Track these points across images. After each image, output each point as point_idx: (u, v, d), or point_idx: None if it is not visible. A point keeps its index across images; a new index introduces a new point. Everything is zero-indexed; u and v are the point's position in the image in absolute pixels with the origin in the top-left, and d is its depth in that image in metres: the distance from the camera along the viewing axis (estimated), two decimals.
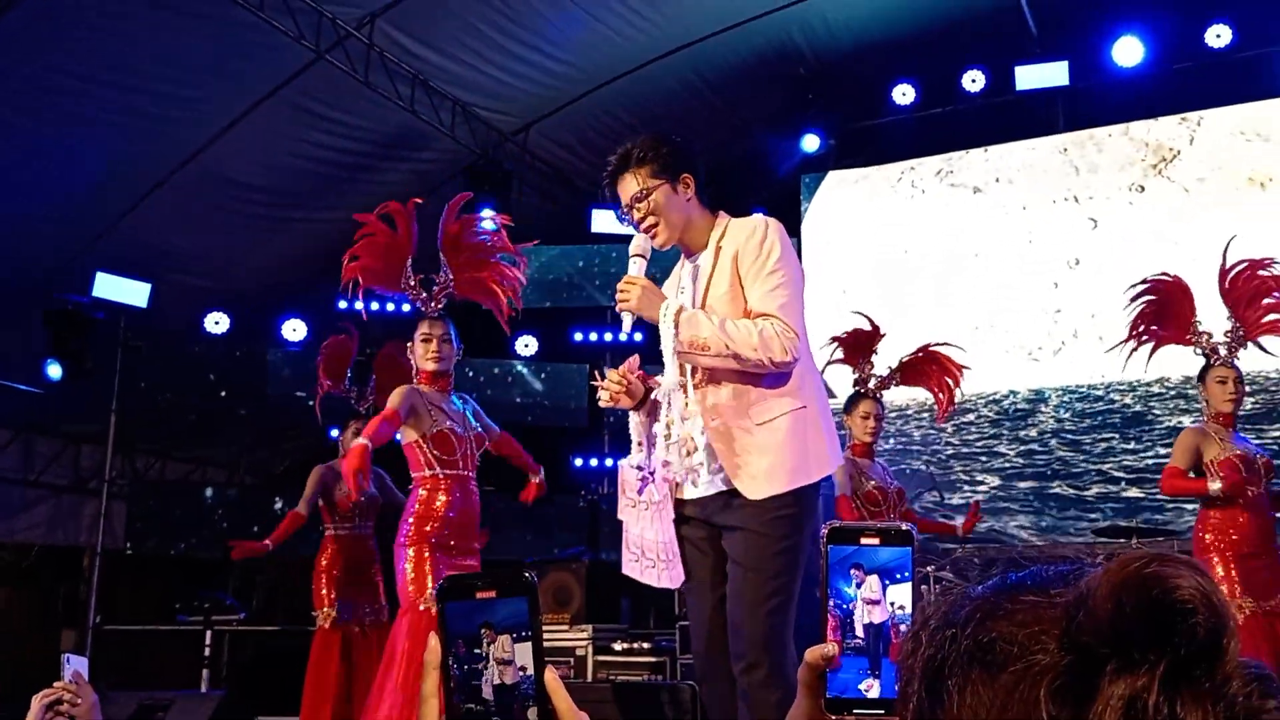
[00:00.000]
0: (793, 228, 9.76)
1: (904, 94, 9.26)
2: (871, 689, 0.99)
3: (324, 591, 5.79)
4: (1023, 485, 8.72)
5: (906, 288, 9.23)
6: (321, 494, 5.95)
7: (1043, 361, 8.86)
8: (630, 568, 3.21)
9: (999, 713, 0.69)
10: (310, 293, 9.34)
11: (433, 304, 4.68)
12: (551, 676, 0.92)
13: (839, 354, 6.00)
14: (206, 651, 7.29)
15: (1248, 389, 5.17)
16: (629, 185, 3.19)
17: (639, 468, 3.16)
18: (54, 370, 7.90)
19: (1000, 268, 9.11)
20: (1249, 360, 5.00)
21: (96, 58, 6.84)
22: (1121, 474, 8.45)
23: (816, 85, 9.36)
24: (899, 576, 0.99)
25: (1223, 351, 4.91)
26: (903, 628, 0.97)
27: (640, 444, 3.17)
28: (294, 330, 9.09)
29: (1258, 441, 7.89)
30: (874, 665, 0.99)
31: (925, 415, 8.96)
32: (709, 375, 3.09)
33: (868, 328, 5.99)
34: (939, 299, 9.09)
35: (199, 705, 6.03)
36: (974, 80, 9.03)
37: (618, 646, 6.73)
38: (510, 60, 8.21)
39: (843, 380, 6.19)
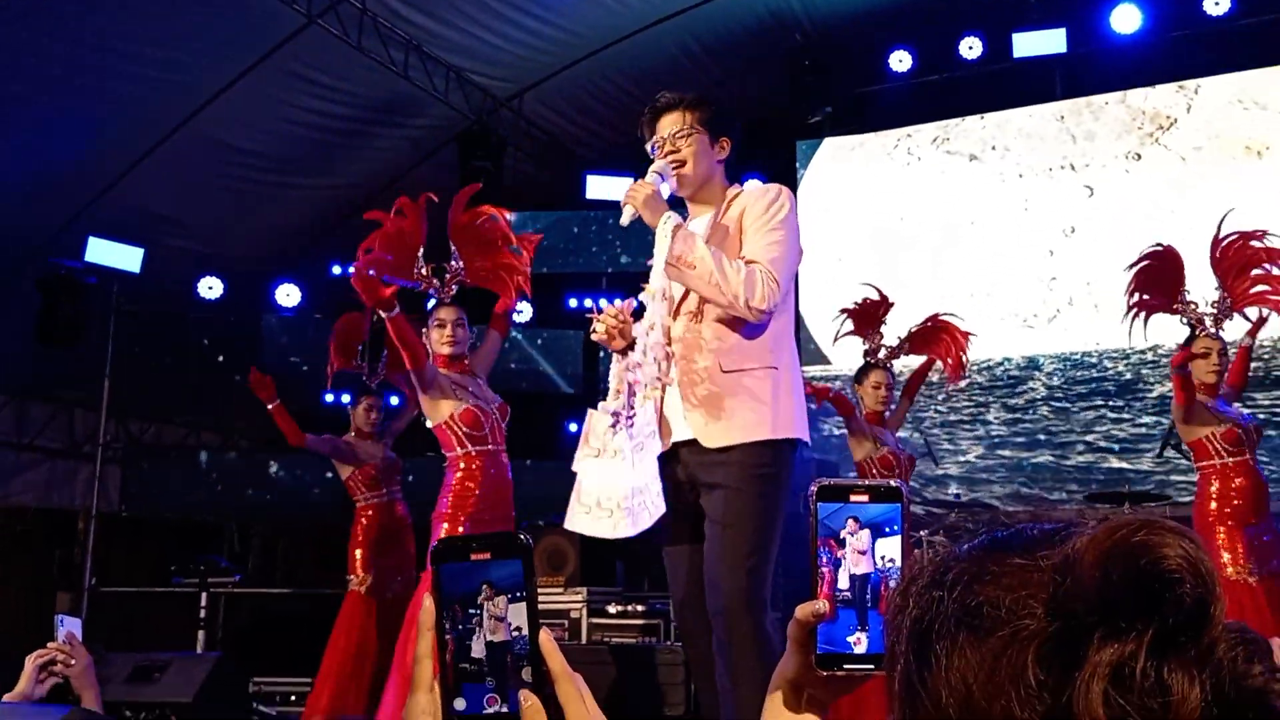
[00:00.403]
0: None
1: (901, 61, 9.22)
2: (860, 643, 0.99)
3: (358, 556, 5.86)
4: (1009, 453, 8.75)
5: (902, 255, 9.22)
6: (341, 463, 5.99)
7: (1037, 329, 8.87)
8: (577, 521, 3.19)
9: (986, 676, 0.69)
10: (304, 258, 9.32)
11: (445, 291, 4.80)
12: (546, 637, 0.92)
13: (849, 325, 6.05)
14: (202, 614, 7.33)
15: (1268, 354, 5.17)
16: (673, 120, 3.26)
17: (614, 414, 3.17)
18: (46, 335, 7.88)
19: (996, 235, 9.11)
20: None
21: (87, 23, 6.79)
22: (1107, 443, 8.48)
23: (813, 52, 9.31)
24: (888, 530, 0.99)
25: (1208, 323, 4.91)
26: (893, 582, 0.98)
27: (619, 391, 3.19)
28: (288, 295, 9.07)
29: (1248, 410, 7.92)
30: (862, 619, 0.99)
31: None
32: (693, 309, 3.12)
33: (875, 298, 6.04)
34: (935, 266, 9.09)
35: (195, 666, 6.05)
36: (971, 47, 8.99)
37: (612, 609, 6.77)
38: (505, 25, 8.16)
39: (853, 352, 6.25)
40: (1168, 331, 5.21)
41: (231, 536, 9.20)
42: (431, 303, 4.92)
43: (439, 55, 8.36)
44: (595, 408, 3.25)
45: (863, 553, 0.99)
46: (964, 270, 9.06)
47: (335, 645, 5.75)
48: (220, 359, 9.12)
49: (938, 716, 0.71)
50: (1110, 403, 8.57)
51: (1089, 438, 8.58)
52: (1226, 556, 4.71)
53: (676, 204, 3.28)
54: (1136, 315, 5.01)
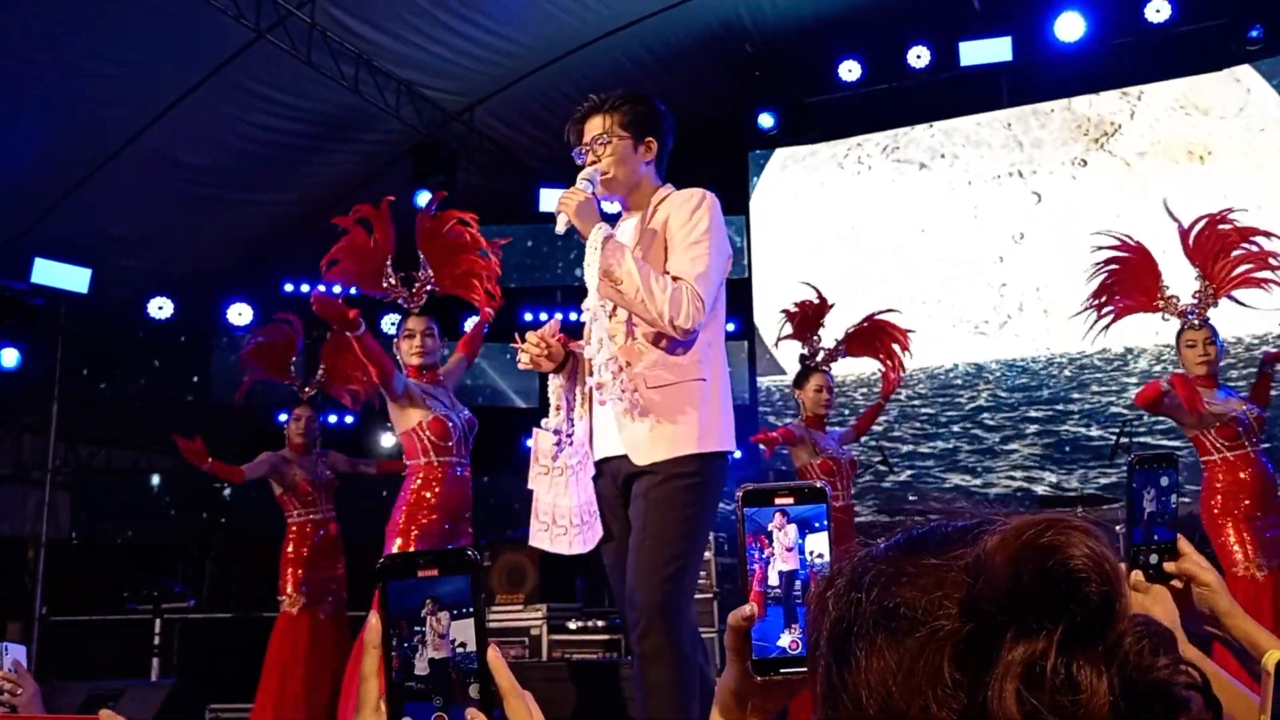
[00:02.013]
0: (741, 205, 9.77)
1: (850, 70, 9.29)
2: (795, 646, 1.00)
3: (289, 575, 5.79)
4: (962, 458, 8.82)
5: (854, 263, 9.28)
6: (278, 482, 5.94)
7: (989, 335, 8.96)
8: (538, 538, 3.19)
9: (905, 677, 0.70)
10: (255, 276, 9.23)
11: (414, 301, 4.81)
12: (494, 654, 0.91)
13: (788, 329, 6.05)
14: (156, 640, 7.22)
15: (1240, 356, 5.15)
16: (595, 125, 3.23)
17: (555, 431, 3.18)
18: (9, 357, 7.74)
19: (947, 243, 9.19)
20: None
21: (33, 38, 6.69)
22: (1058, 447, 8.57)
23: (763, 62, 9.36)
24: (816, 525, 1.01)
25: (1191, 314, 4.85)
26: (808, 584, 0.99)
27: (558, 407, 3.19)
28: (239, 315, 8.97)
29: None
30: (791, 617, 1.00)
31: (864, 388, 9.03)
32: (622, 323, 3.11)
33: (814, 300, 6.04)
34: (886, 274, 9.16)
35: (150, 694, 5.98)
36: (919, 56, 9.07)
37: (572, 625, 6.74)
38: (455, 39, 8.14)
39: (793, 356, 6.27)
40: (1116, 336, 5.22)
41: (185, 561, 9.07)
42: (390, 318, 4.95)
43: (389, 69, 8.32)
44: (540, 426, 3.25)
45: (790, 549, 1.00)
46: (915, 278, 9.13)
47: (269, 668, 5.69)
48: (167, 380, 9.01)
49: (858, 717, 0.73)
50: (1061, 407, 8.67)
51: (1040, 442, 8.66)
52: (1237, 552, 4.67)
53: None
54: (1113, 318, 4.95)
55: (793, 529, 1.00)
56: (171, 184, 8.23)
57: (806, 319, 6.04)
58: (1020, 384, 8.84)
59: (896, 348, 6.03)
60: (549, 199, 9.01)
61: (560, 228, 3.05)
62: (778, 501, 1.01)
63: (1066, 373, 8.70)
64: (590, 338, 3.06)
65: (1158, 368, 8.21)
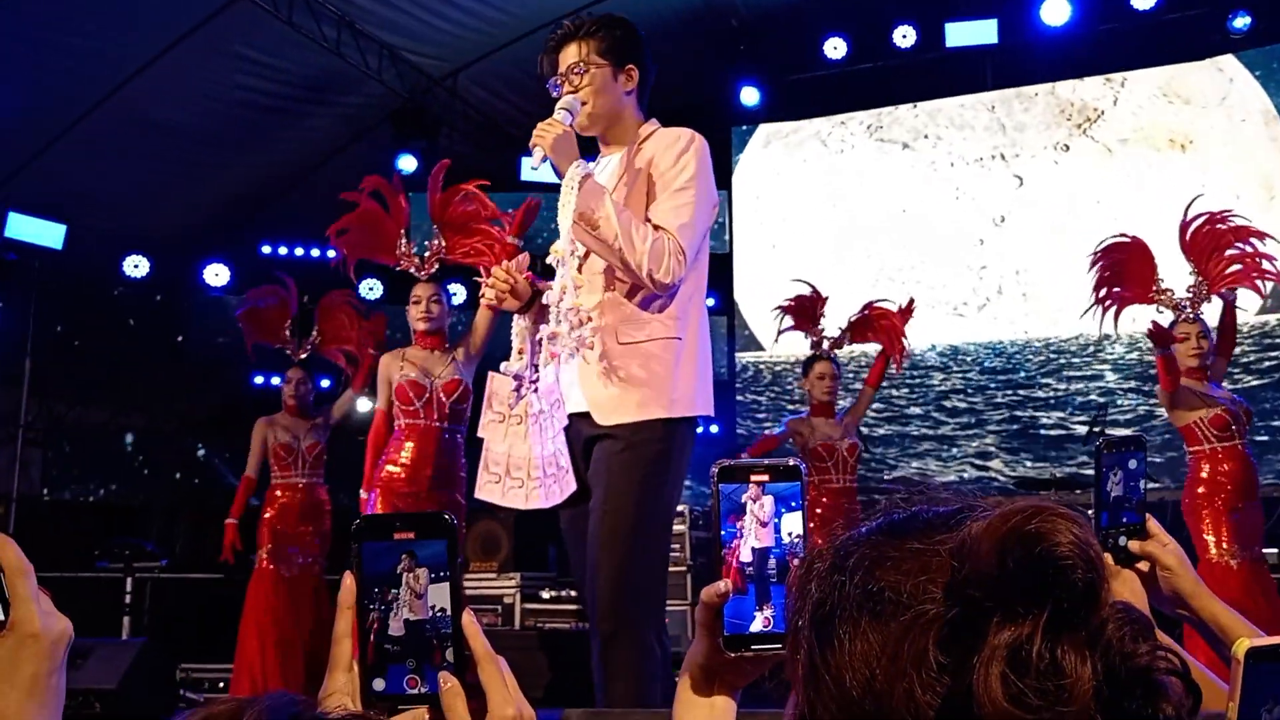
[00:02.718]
0: (724, 180, 9.75)
1: (835, 48, 9.27)
2: (767, 622, 1.00)
3: (263, 535, 5.83)
4: (938, 440, 8.88)
5: (835, 242, 9.30)
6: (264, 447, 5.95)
7: (967, 317, 9.00)
8: (488, 490, 2.96)
9: (889, 660, 0.71)
10: (234, 238, 9.17)
11: (425, 268, 4.89)
12: (469, 619, 0.91)
13: (788, 322, 6.11)
14: (127, 599, 7.20)
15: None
16: (570, 53, 2.99)
17: (515, 377, 2.95)
18: None
19: (928, 223, 9.22)
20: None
21: None
22: (1034, 430, 8.64)
23: (748, 37, 9.33)
24: (792, 504, 1.02)
25: (1186, 308, 4.89)
26: (783, 561, 1.00)
27: (521, 351, 2.96)
28: (216, 275, 8.92)
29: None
30: (764, 595, 1.00)
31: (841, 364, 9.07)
32: (595, 272, 2.89)
33: (808, 294, 6.12)
34: (867, 253, 9.18)
35: (120, 653, 5.95)
36: (905, 36, 9.06)
37: (545, 594, 6.77)
38: (439, 3, 8.07)
39: (788, 338, 6.34)
40: (1090, 322, 5.25)
41: (157, 520, 9.04)
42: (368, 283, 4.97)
43: (372, 32, 8.25)
44: (500, 370, 3.01)
45: (765, 524, 1.00)
46: (895, 257, 9.16)
47: (244, 627, 5.73)
48: (143, 339, 8.96)
49: (840, 698, 0.73)
50: (1038, 390, 8.73)
51: (1017, 425, 8.73)
52: (1210, 539, 4.73)
53: (590, 143, 3.07)
54: (1109, 309, 4.97)
55: (769, 501, 1.00)
56: (149, 143, 8.15)
57: (805, 311, 6.10)
58: (1004, 365, 8.90)
59: (895, 333, 6.10)
60: (531, 168, 8.97)
61: (535, 162, 2.79)
62: (753, 478, 1.01)
63: (1041, 357, 8.76)
64: (555, 283, 2.81)
65: (1132, 355, 8.28)
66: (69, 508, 8.74)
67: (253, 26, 7.58)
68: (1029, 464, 8.48)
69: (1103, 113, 8.88)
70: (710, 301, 9.61)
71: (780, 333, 6.25)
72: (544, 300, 2.84)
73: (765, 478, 1.01)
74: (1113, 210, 8.30)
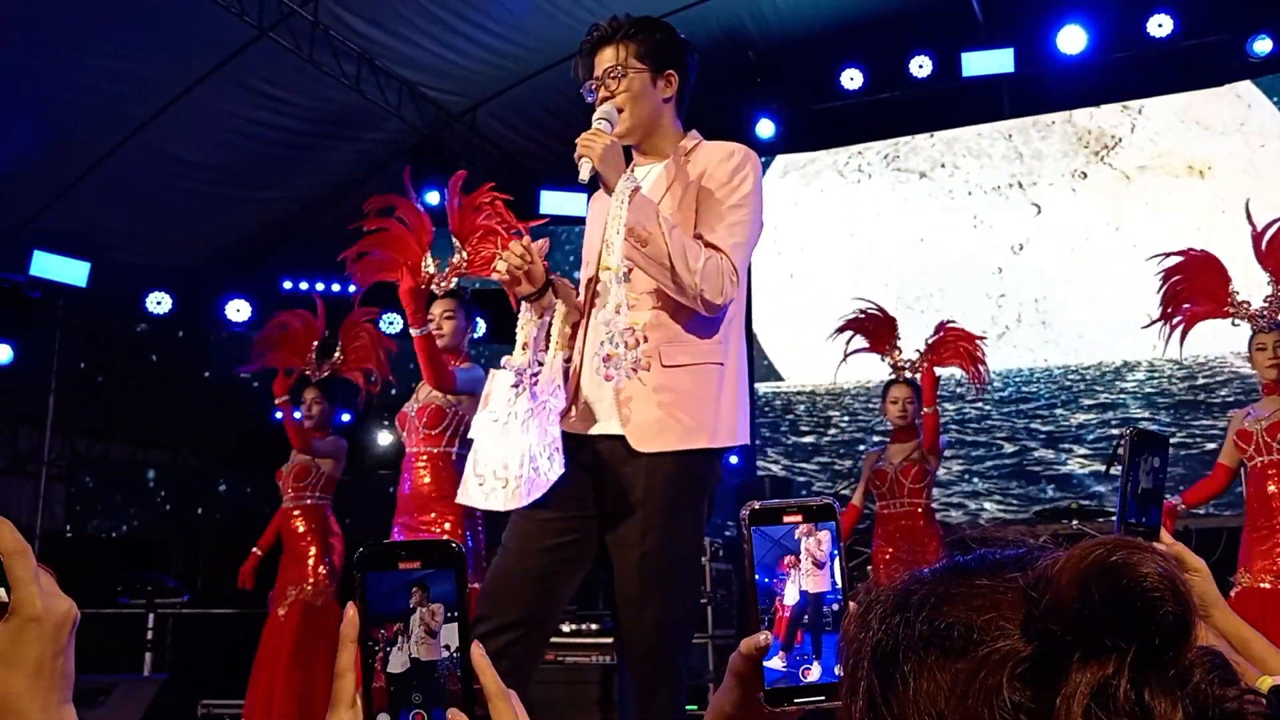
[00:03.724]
0: None
1: (852, 79, 9.30)
2: (810, 672, 0.95)
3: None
4: (958, 469, 8.83)
5: (853, 271, 9.29)
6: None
7: (988, 346, 8.95)
8: (471, 493, 2.75)
9: (958, 699, 0.68)
10: (254, 272, 9.24)
11: (443, 284, 4.74)
12: (478, 653, 0.88)
13: (859, 343, 6.02)
14: (149, 634, 7.21)
15: (1207, 376, 5.01)
16: (607, 56, 2.82)
17: (518, 372, 2.75)
18: (1, 353, 7.75)
19: (945, 252, 9.20)
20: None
21: (35, 34, 6.69)
22: (1055, 460, 8.59)
23: (765, 69, 9.38)
24: (834, 546, 0.96)
25: (1262, 319, 4.71)
26: (834, 606, 0.95)
27: (525, 345, 2.77)
28: (238, 311, 8.98)
29: (1185, 432, 7.99)
30: (816, 644, 0.95)
31: (861, 393, 9.03)
32: (639, 290, 2.72)
33: (876, 313, 6.03)
34: (885, 283, 9.17)
35: (142, 689, 5.96)
36: (921, 66, 9.09)
37: (566, 628, 6.74)
38: (458, 40, 8.14)
39: (802, 369, 6.26)
40: (1113, 348, 5.20)
41: (179, 555, 9.06)
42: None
43: (391, 69, 8.32)
44: (501, 364, 2.83)
45: (821, 564, 0.95)
46: (913, 286, 9.15)
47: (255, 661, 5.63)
48: (165, 374, 9.01)
49: None
50: (1058, 420, 8.68)
51: (1037, 454, 8.68)
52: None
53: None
54: (1182, 327, 4.78)
55: (826, 538, 0.95)
56: (171, 180, 8.23)
57: (879, 332, 5.99)
58: (1024, 394, 8.85)
59: (973, 353, 6.00)
60: (550, 201, 9.02)
61: (584, 175, 2.61)
62: (786, 519, 0.95)
63: (1068, 383, 8.70)
64: (602, 302, 2.62)
65: (1151, 382, 8.23)
66: (92, 543, 8.77)
67: (274, 64, 7.67)
68: (1061, 492, 8.41)
69: (1120, 140, 8.87)
70: None
71: (848, 354, 6.02)
72: (597, 319, 2.67)
73: (799, 518, 0.95)
74: (1132, 237, 8.27)
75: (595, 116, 2.72)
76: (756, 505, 0.95)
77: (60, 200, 7.93)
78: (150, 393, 8.97)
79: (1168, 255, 4.85)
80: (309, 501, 5.79)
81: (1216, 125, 8.58)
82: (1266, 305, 4.72)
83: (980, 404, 8.87)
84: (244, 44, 7.42)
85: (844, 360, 6.05)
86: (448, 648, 0.86)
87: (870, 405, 9.05)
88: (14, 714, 0.87)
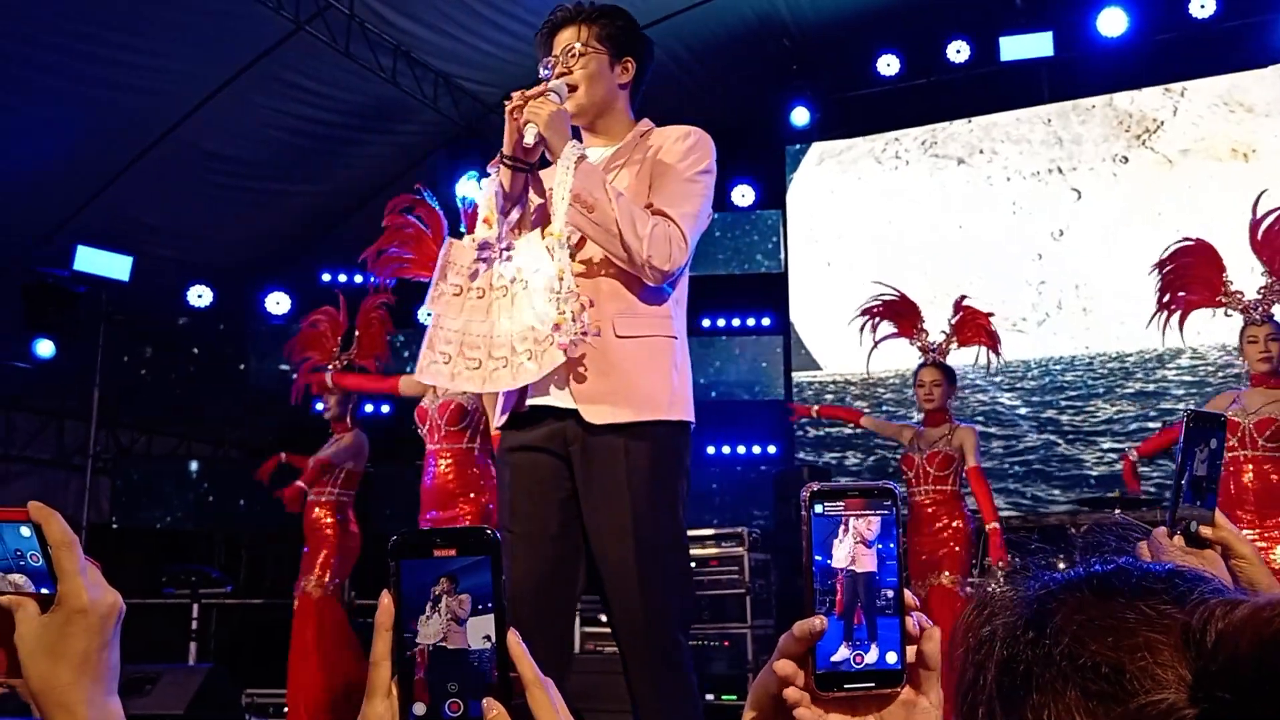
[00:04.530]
0: (778, 200, 9.74)
1: (888, 64, 9.23)
2: (863, 658, 0.92)
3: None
4: (999, 457, 8.76)
5: (891, 259, 9.23)
6: None
7: (1027, 333, 8.89)
8: (433, 372, 2.67)
9: None
10: (293, 265, 9.30)
11: None
12: (515, 641, 0.86)
13: (887, 329, 6.00)
14: (194, 625, 7.29)
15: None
16: (568, 36, 2.83)
17: (483, 245, 2.68)
18: (44, 348, 7.86)
19: (984, 239, 9.12)
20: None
21: (75, 31, 6.76)
22: (1097, 447, 8.50)
23: (801, 56, 9.33)
24: (893, 529, 0.94)
25: (1255, 310, 4.72)
26: (889, 590, 0.92)
27: (488, 221, 2.69)
28: (277, 304, 9.06)
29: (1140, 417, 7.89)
30: (871, 629, 0.92)
31: (895, 381, 8.98)
32: (590, 260, 2.69)
33: (894, 298, 6.02)
34: (923, 270, 9.10)
35: (186, 679, 6.03)
36: (958, 51, 9.01)
37: (604, 618, 6.75)
38: (493, 31, 8.15)
39: (842, 358, 6.23)
40: (1156, 335, 5.14)
41: (222, 547, 9.16)
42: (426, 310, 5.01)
43: (427, 61, 8.34)
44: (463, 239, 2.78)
45: (869, 545, 0.93)
46: (952, 274, 9.07)
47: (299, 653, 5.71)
48: (206, 367, 9.10)
49: None
50: (1100, 406, 8.59)
51: (1079, 442, 8.59)
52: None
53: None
54: (1176, 314, 4.82)
55: (877, 522, 0.93)
56: (210, 174, 8.30)
57: (904, 315, 5.98)
58: (1064, 381, 8.77)
59: (987, 329, 5.98)
60: None
61: (529, 139, 2.60)
62: (848, 501, 0.93)
63: (1109, 369, 8.61)
64: (551, 265, 2.59)
65: (1194, 370, 8.13)
66: (136, 535, 8.89)
67: (311, 58, 7.70)
68: (1104, 479, 8.34)
69: (1162, 123, 8.75)
70: (766, 321, 9.64)
71: (878, 341, 6.02)
72: (538, 284, 2.58)
73: (860, 501, 0.93)
74: (1174, 221, 8.16)
75: (547, 87, 2.71)
76: (816, 486, 0.94)
77: (102, 196, 8.01)
78: (192, 386, 9.07)
79: (1166, 247, 4.90)
80: (328, 497, 5.87)
81: (1260, 107, 8.44)
82: (1260, 296, 4.71)
83: (1019, 390, 8.80)
84: (281, 39, 7.46)
85: (875, 346, 6.04)
86: (487, 637, 0.85)
87: (902, 394, 9.01)
88: (61, 705, 0.88)
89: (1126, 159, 8.82)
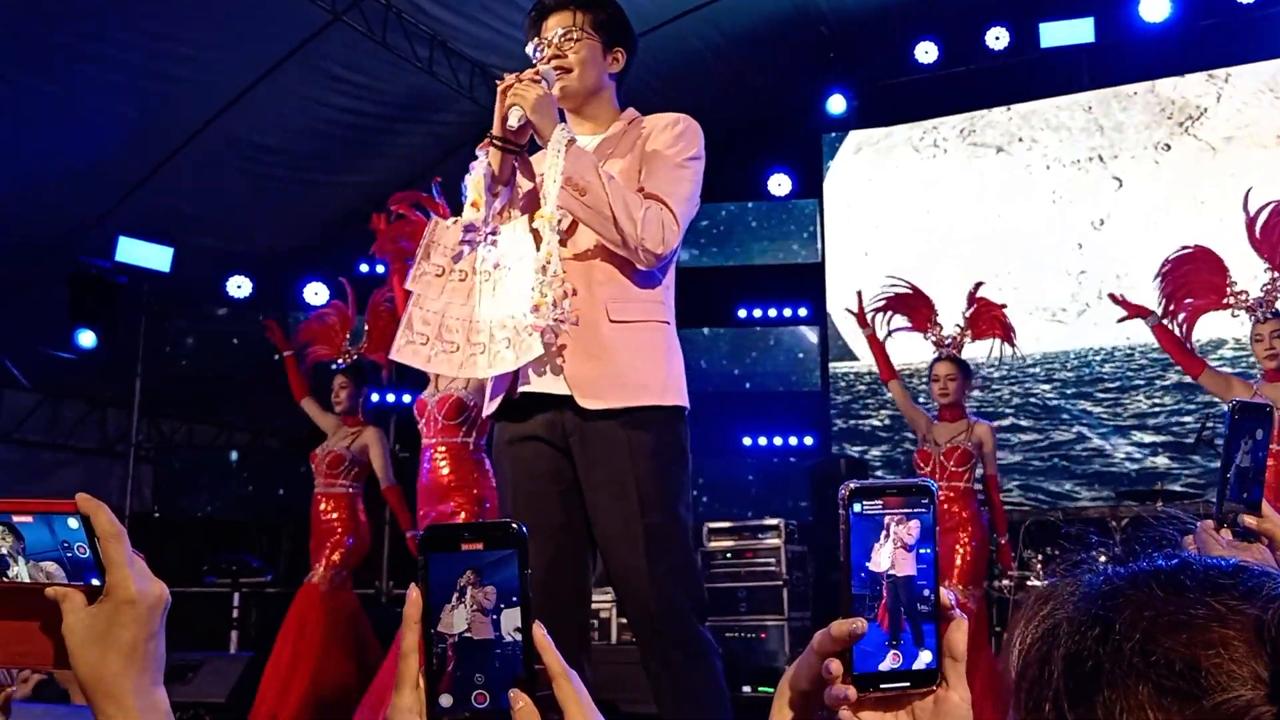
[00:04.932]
0: (814, 189, 9.69)
1: (926, 52, 9.16)
2: (898, 658, 0.92)
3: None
4: (1038, 448, 8.69)
5: (929, 248, 9.17)
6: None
7: (1066, 323, 8.80)
8: (408, 353, 2.62)
9: None
10: (331, 256, 9.35)
11: None
12: (540, 633, 0.87)
13: (900, 321, 5.96)
14: (235, 613, 7.36)
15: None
16: (562, 19, 2.82)
17: (469, 227, 2.65)
18: (86, 338, 7.96)
19: (1024, 228, 9.04)
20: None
21: (114, 21, 6.82)
22: (1138, 439, 8.41)
23: (838, 44, 9.27)
24: (929, 528, 0.93)
25: (1259, 308, 4.74)
26: (927, 592, 0.92)
27: (475, 204, 2.65)
28: (315, 294, 9.11)
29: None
30: (917, 632, 0.92)
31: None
32: (582, 246, 2.69)
33: (907, 290, 5.98)
34: (961, 260, 9.03)
35: (228, 666, 6.10)
36: (997, 38, 8.92)
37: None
38: None
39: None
40: (1204, 328, 5.09)
41: (263, 535, 9.24)
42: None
43: (464, 51, 8.36)
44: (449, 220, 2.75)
45: (909, 549, 0.92)
46: (991, 263, 8.99)
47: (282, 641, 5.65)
48: (246, 357, 9.17)
49: None
50: (1140, 398, 8.50)
51: (1119, 433, 8.51)
52: None
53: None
54: (1186, 321, 4.86)
55: (916, 526, 0.92)
56: (250, 165, 8.36)
57: (915, 308, 5.93)
58: (1105, 372, 8.68)
59: (1000, 320, 5.92)
60: None
61: (514, 122, 2.56)
62: (886, 499, 0.92)
63: (1151, 360, 8.51)
64: (539, 251, 2.56)
65: (1238, 360, 8.02)
66: (178, 524, 8.99)
67: (348, 48, 7.74)
68: (1145, 472, 8.25)
69: (1206, 110, 8.63)
70: (803, 311, 9.59)
71: (890, 333, 5.97)
72: (538, 259, 2.54)
73: (898, 499, 0.92)
74: (1218, 210, 8.05)
75: (536, 71, 2.68)
76: (854, 484, 0.93)
77: (143, 187, 8.08)
78: (231, 376, 9.15)
79: (1166, 258, 4.98)
80: (339, 490, 5.87)
81: None
82: (1263, 294, 4.72)
83: (1057, 381, 8.72)
84: (318, 29, 7.50)
85: (888, 336, 6.01)
86: (515, 629, 0.87)
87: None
88: (109, 694, 0.90)
89: (1169, 146, 8.70)
